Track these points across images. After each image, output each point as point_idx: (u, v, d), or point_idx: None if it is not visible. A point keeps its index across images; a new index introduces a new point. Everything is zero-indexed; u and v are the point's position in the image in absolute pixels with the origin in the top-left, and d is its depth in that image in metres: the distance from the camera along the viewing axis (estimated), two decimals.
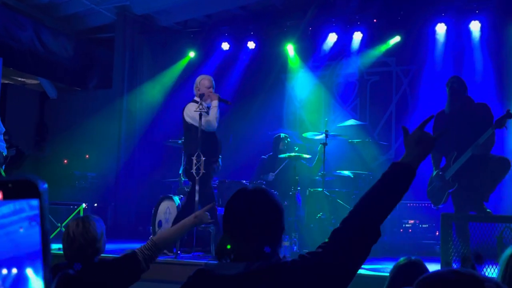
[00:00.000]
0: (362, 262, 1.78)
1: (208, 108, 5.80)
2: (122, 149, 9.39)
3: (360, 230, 1.75)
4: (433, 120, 5.50)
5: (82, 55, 10.10)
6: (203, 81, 5.94)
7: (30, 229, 0.64)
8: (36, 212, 0.64)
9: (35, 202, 0.64)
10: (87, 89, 10.41)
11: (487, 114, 5.26)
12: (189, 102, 5.97)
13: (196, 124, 5.62)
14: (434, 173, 5.48)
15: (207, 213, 2.90)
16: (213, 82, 6.02)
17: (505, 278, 2.23)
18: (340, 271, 1.74)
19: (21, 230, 0.64)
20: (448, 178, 5.28)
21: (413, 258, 2.62)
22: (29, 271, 0.64)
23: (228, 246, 1.80)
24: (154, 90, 9.75)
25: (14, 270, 0.64)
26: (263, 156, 7.69)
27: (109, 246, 3.17)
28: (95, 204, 8.70)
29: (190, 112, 5.79)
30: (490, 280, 0.84)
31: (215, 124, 5.80)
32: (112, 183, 9.35)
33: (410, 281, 1.16)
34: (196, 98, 5.84)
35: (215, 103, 5.82)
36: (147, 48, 9.87)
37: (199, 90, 5.89)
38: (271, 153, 7.64)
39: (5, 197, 0.63)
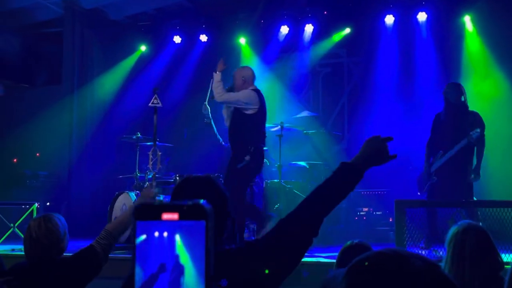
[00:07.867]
0: (301, 253, 1.81)
1: None
2: (73, 146, 9.16)
3: (302, 224, 1.80)
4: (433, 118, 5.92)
5: (29, 51, 9.79)
6: None
7: (195, 244, 0.80)
8: (202, 231, 0.80)
9: (202, 224, 0.80)
10: (35, 85, 10.11)
11: (476, 121, 5.83)
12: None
13: None
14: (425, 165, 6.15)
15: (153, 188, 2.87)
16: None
17: (454, 256, 2.33)
18: (281, 257, 1.78)
19: (188, 245, 0.80)
20: (432, 172, 6.00)
21: (356, 241, 2.78)
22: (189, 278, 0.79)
23: None
24: (106, 85, 9.57)
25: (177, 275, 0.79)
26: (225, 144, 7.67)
27: None
28: (48, 203, 8.49)
29: None
30: (416, 256, 0.92)
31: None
32: (65, 181, 9.11)
33: None
34: None
35: None
36: (97, 42, 9.66)
37: None
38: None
39: (181, 217, 0.80)
